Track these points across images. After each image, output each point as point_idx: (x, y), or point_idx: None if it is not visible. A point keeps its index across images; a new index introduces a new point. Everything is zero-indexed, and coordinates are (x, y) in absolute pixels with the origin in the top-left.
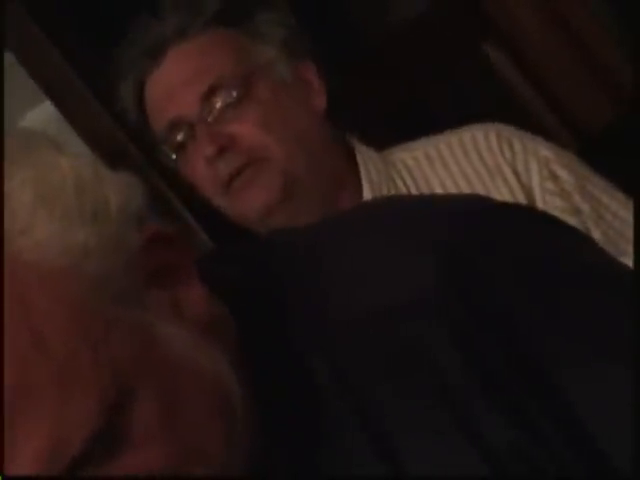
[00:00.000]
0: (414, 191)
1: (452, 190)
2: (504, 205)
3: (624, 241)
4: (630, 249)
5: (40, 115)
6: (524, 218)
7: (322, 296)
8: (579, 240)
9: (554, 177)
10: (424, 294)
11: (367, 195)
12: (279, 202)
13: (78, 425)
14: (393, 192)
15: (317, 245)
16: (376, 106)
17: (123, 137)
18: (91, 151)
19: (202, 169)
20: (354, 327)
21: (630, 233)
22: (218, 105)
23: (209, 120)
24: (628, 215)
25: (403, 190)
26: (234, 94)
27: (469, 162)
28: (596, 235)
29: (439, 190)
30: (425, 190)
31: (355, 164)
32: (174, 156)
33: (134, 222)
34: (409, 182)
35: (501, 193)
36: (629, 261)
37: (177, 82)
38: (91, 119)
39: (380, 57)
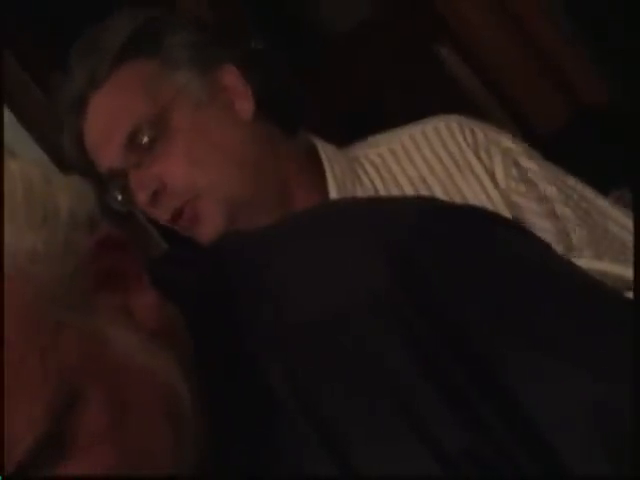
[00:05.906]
0: (381, 187)
1: (419, 184)
2: (453, 206)
3: (600, 230)
4: (615, 245)
5: None
6: (473, 219)
7: (274, 298)
8: (527, 240)
9: (517, 166)
10: (375, 295)
11: (333, 192)
12: (228, 226)
13: (25, 429)
14: (359, 188)
15: (269, 248)
16: (328, 108)
17: None
18: (47, 157)
19: (148, 212)
20: (306, 329)
21: (610, 226)
22: (141, 149)
23: (137, 165)
24: (595, 198)
25: (369, 187)
26: (153, 134)
27: (434, 154)
28: (567, 213)
29: (407, 185)
30: (393, 186)
31: (319, 162)
32: (120, 197)
33: (85, 226)
34: (375, 179)
35: (469, 183)
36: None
37: (98, 136)
38: (47, 125)
39: (332, 58)
